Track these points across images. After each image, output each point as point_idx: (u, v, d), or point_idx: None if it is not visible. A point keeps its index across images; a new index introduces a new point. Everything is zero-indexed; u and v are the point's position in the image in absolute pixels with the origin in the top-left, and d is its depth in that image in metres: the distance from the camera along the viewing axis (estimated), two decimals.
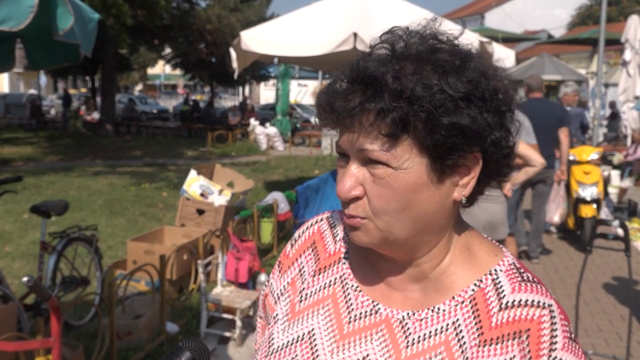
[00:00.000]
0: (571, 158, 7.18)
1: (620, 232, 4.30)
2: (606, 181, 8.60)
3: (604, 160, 8.69)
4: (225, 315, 4.31)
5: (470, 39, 0.88)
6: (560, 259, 6.67)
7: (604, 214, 7.80)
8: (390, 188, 0.81)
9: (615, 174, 9.43)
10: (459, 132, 0.79)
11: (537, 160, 3.88)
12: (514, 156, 0.88)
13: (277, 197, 6.45)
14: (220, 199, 5.98)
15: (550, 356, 0.81)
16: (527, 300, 0.84)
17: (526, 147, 3.92)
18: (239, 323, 4.17)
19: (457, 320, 0.86)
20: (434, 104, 0.77)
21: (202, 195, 6.00)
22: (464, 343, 0.84)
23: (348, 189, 0.83)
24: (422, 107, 0.77)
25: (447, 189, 0.84)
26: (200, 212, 5.94)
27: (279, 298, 1.01)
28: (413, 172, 0.80)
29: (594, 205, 6.98)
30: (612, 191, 8.77)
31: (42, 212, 4.25)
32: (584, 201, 6.99)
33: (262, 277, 4.74)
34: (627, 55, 10.66)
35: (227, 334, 4.26)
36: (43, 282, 4.17)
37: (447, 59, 0.80)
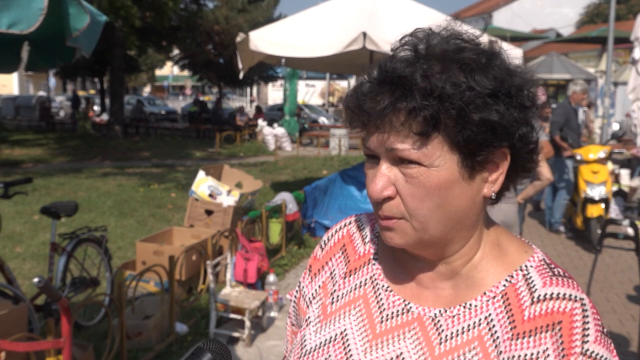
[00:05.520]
0: (578, 158, 7.13)
1: (630, 231, 4.27)
2: (616, 180, 8.53)
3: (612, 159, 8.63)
4: (234, 316, 4.32)
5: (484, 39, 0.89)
6: (570, 259, 6.63)
7: (614, 213, 7.75)
8: (423, 186, 0.82)
9: (625, 173, 9.36)
10: (488, 128, 0.80)
11: (545, 175, 4.02)
12: (538, 152, 0.89)
13: (286, 198, 6.46)
14: (228, 199, 6.00)
15: (583, 348, 0.81)
16: (559, 294, 0.84)
17: None
18: (247, 323, 4.18)
19: (490, 315, 0.86)
20: (464, 101, 0.79)
21: (210, 195, 6.02)
22: (497, 337, 0.85)
23: (380, 189, 0.84)
24: (453, 104, 0.79)
25: (477, 185, 0.85)
26: (209, 212, 5.96)
27: (310, 302, 1.01)
28: (445, 169, 0.81)
29: (602, 205, 6.92)
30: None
31: (51, 213, 4.27)
32: (592, 201, 6.93)
33: (271, 278, 4.74)
34: (637, 53, 10.56)
35: (236, 334, 4.28)
36: (53, 283, 4.20)
37: (472, 57, 0.81)
